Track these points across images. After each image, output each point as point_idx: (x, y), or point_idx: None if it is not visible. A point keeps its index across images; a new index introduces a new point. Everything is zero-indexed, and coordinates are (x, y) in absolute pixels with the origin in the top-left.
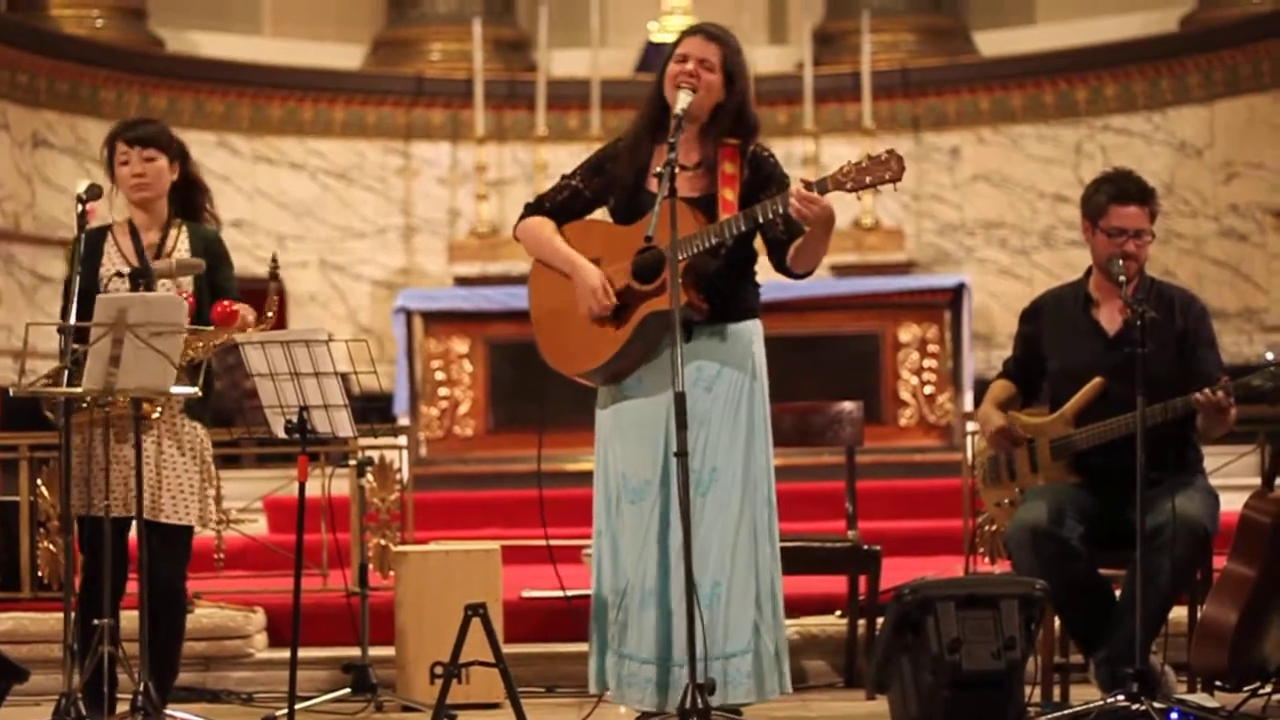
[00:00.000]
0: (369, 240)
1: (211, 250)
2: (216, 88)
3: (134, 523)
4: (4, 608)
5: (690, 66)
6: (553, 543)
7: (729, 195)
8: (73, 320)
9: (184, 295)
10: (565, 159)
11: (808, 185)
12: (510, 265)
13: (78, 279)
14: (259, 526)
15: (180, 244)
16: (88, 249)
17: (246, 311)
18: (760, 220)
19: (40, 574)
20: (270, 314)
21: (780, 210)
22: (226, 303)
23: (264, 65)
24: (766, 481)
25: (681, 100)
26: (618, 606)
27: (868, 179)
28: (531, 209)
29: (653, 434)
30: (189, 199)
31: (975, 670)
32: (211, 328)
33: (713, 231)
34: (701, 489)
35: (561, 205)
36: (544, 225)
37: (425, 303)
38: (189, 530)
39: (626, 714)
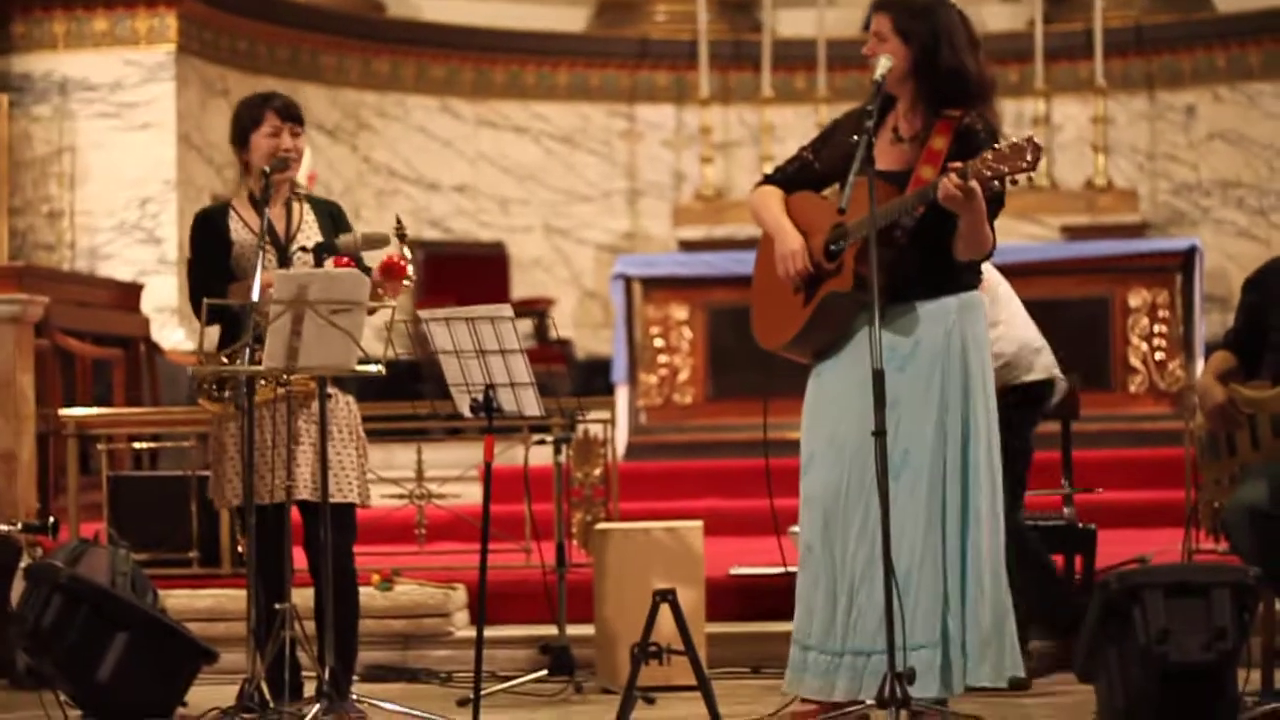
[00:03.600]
0: (593, 204)
1: (338, 219)
2: (439, 52)
3: (293, 506)
4: (205, 583)
5: (870, 44)
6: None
7: (926, 172)
8: (254, 294)
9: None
10: (791, 120)
11: (958, 171)
12: (736, 229)
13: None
14: (474, 493)
15: (305, 217)
16: (212, 226)
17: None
18: (928, 200)
19: (240, 549)
20: (408, 280)
21: (933, 195)
22: (394, 255)
23: (487, 29)
24: (965, 463)
25: (880, 66)
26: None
27: (1004, 168)
28: (765, 180)
29: (836, 410)
30: None
31: (1184, 662)
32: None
33: (886, 211)
34: (894, 472)
35: (791, 176)
36: (770, 194)
37: (644, 269)
38: (353, 508)
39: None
